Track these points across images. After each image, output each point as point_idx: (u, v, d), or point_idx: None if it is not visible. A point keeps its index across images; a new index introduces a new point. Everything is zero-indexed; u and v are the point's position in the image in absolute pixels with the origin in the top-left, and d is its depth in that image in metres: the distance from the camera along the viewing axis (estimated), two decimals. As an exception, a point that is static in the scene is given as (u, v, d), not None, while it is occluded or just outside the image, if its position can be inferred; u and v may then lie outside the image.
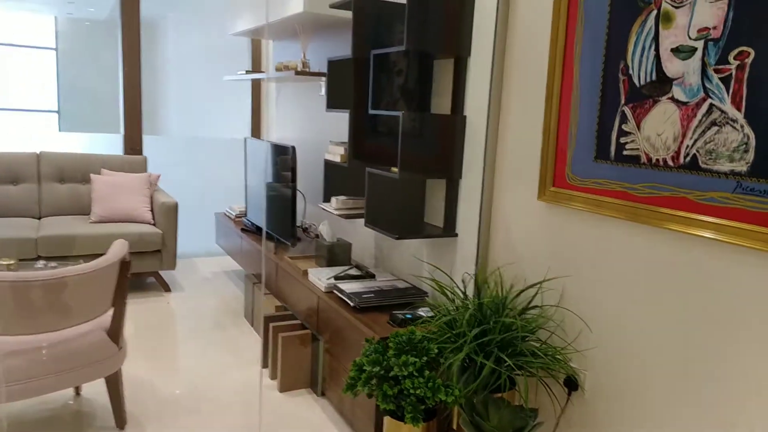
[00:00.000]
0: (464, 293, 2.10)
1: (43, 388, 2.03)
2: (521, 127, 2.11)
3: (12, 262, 2.83)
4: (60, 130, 8.61)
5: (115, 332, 2.24)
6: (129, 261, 2.22)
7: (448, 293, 2.11)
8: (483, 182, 2.24)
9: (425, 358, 1.84)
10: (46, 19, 8.97)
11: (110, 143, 4.94)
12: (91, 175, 3.98)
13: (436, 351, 1.86)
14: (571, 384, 1.89)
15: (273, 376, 2.82)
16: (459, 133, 2.40)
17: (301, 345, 2.71)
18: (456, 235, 2.44)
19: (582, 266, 1.87)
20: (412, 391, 1.78)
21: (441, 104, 2.55)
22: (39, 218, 3.98)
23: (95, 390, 2.61)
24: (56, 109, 8.95)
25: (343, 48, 3.35)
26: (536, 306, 1.99)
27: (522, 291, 2.00)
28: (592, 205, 1.81)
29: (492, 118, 2.21)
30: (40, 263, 2.94)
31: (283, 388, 2.70)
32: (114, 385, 2.28)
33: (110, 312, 2.26)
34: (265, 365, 2.93)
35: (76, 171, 4.11)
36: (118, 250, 2.19)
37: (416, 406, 1.80)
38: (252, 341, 3.26)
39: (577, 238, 1.88)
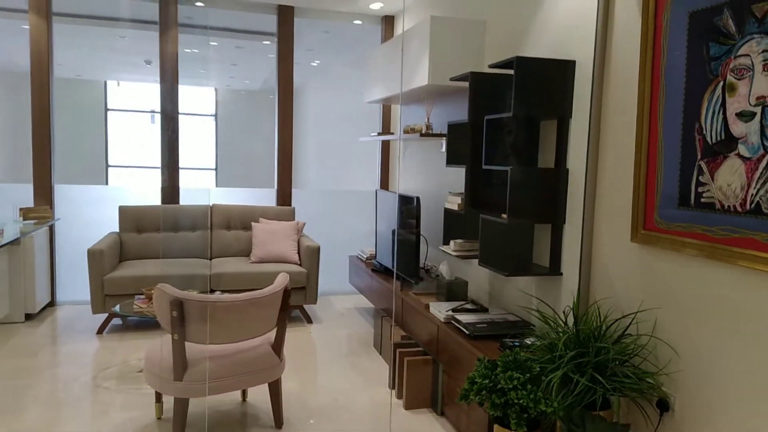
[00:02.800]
0: (565, 323, 2.41)
1: (227, 387, 2.63)
2: (615, 179, 2.43)
3: (196, 292, 3.56)
4: (217, 186, 9.96)
5: (277, 347, 2.81)
6: (290, 290, 2.81)
7: (551, 323, 2.44)
8: (583, 226, 2.56)
9: (528, 375, 2.18)
10: (208, 91, 10.52)
11: (260, 196, 5.79)
12: (252, 223, 4.76)
13: (538, 369, 2.19)
14: (663, 405, 2.12)
15: (399, 396, 3.25)
16: (562, 184, 2.75)
17: (423, 368, 3.13)
18: (561, 273, 2.76)
19: (672, 299, 2.12)
20: (516, 401, 2.13)
21: (546, 159, 2.92)
22: (210, 259, 4.82)
23: (257, 398, 3.20)
24: (214, 167, 10.37)
25: (460, 112, 3.84)
26: (630, 335, 2.26)
27: (617, 320, 2.29)
28: (678, 245, 2.08)
29: (590, 171, 2.55)
30: (218, 293, 3.65)
31: (408, 406, 3.12)
32: (275, 390, 2.84)
33: (274, 331, 2.84)
34: (392, 386, 3.37)
35: (240, 220, 4.94)
36: (281, 281, 2.79)
37: (520, 415, 2.14)
38: (380, 366, 3.72)
39: (665, 274, 2.15)
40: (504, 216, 2.80)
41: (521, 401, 2.11)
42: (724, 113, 1.90)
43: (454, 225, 3.54)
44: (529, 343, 2.62)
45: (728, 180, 1.90)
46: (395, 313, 3.86)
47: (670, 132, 2.14)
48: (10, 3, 4.93)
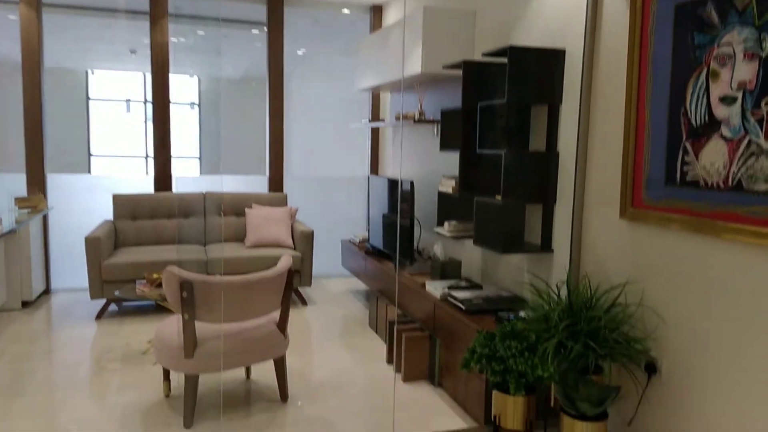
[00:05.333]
0: (558, 295, 2.57)
1: (236, 363, 2.74)
2: (604, 160, 2.58)
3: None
4: (201, 173, 9.96)
5: (282, 325, 2.93)
6: (293, 270, 2.92)
7: (544, 296, 2.59)
8: (573, 206, 2.72)
9: (525, 343, 2.34)
10: (191, 79, 10.48)
11: (249, 183, 5.86)
12: (246, 209, 4.85)
13: (534, 338, 2.35)
14: (651, 368, 2.29)
15: (397, 370, 3.40)
16: (553, 166, 2.90)
17: (421, 343, 3.27)
18: (552, 250, 2.92)
19: (657, 271, 2.29)
20: (514, 367, 2.28)
21: (537, 143, 3.06)
22: (205, 245, 4.90)
23: (260, 375, 3.32)
24: (198, 155, 10.36)
25: (451, 98, 3.97)
26: (619, 304, 2.43)
27: (606, 292, 2.45)
28: (664, 220, 2.24)
29: (580, 153, 2.70)
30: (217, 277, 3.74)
31: (407, 378, 3.26)
32: (280, 366, 2.96)
33: (278, 310, 2.95)
34: (390, 361, 3.52)
35: (233, 206, 5.01)
36: (286, 262, 2.90)
37: (518, 380, 2.29)
38: (376, 344, 3.86)
39: (652, 248, 2.31)
40: (498, 197, 2.94)
41: (519, 368, 2.26)
42: (708, 98, 2.06)
43: (447, 207, 3.68)
44: (523, 315, 2.78)
45: (712, 159, 2.06)
46: (390, 293, 4.00)
47: (657, 115, 2.29)
48: (-2, -9, 4.90)
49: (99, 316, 4.30)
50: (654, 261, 2.31)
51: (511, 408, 2.35)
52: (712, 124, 2.05)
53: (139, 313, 4.44)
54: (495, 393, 2.40)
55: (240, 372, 3.35)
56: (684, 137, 2.17)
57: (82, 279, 4.43)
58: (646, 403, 2.35)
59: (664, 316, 2.26)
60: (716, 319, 2.05)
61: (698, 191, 2.11)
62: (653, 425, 2.32)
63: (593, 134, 2.65)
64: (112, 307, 4.57)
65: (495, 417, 2.40)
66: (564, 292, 2.74)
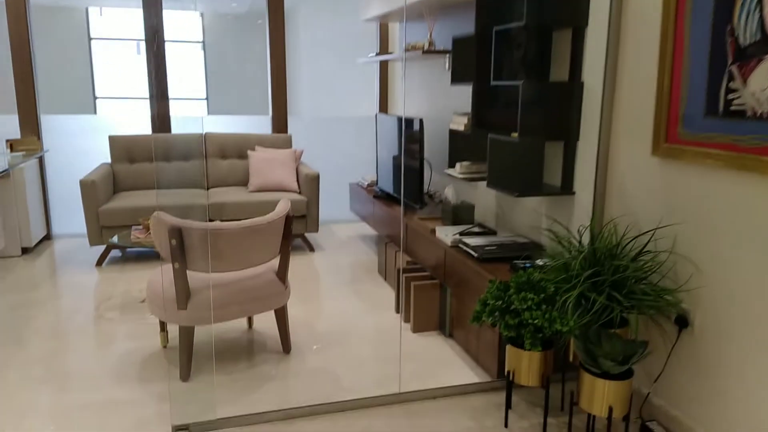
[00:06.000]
0: (579, 242, 2.33)
1: (232, 314, 2.58)
2: (635, 90, 2.28)
3: (195, 221, 3.46)
4: (209, 113, 9.69)
5: (282, 274, 2.75)
6: (292, 216, 2.71)
7: (564, 243, 2.36)
8: (599, 143, 2.44)
9: (542, 295, 2.13)
10: (194, 15, 10.03)
11: (253, 124, 5.61)
12: (249, 152, 4.61)
13: (553, 289, 2.13)
14: (682, 322, 2.08)
15: (406, 320, 3.23)
16: (576, 99, 2.60)
17: (430, 292, 3.09)
18: (573, 192, 2.67)
19: (693, 214, 2.04)
20: (530, 321, 2.08)
21: (559, 72, 2.76)
22: (207, 189, 4.71)
23: (263, 326, 3.18)
24: (205, 96, 10.05)
25: (464, 26, 3.62)
26: (649, 251, 2.19)
27: (635, 238, 2.21)
28: (702, 157, 1.97)
29: (608, 83, 2.40)
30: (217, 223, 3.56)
31: (416, 329, 3.10)
32: (282, 317, 2.80)
33: (278, 258, 2.77)
34: (398, 310, 3.35)
35: (235, 148, 4.78)
36: (283, 207, 2.68)
37: (534, 335, 2.10)
38: (385, 292, 3.69)
39: (688, 189, 2.05)
40: (514, 135, 2.67)
41: (536, 321, 2.06)
42: (761, 11, 1.74)
43: (459, 147, 3.41)
44: (541, 264, 2.56)
45: (762, 84, 1.76)
46: (399, 239, 3.79)
47: (698, 37, 1.98)
48: None
49: (99, 262, 4.18)
50: (689, 203, 2.05)
51: (526, 364, 2.17)
52: (765, 42, 1.74)
53: (141, 260, 4.30)
54: (509, 348, 2.21)
55: (242, 322, 3.21)
56: (729, 60, 1.86)
57: (83, 225, 4.29)
58: (674, 359, 2.15)
59: (698, 264, 2.02)
60: (759, 269, 1.81)
61: (744, 123, 1.83)
62: (682, 382, 2.12)
63: (623, 61, 2.34)
64: (116, 253, 4.44)
65: (509, 373, 2.23)
66: (587, 239, 2.50)
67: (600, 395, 2.00)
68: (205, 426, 2.21)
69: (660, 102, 2.15)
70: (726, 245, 1.92)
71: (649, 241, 2.21)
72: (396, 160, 4.03)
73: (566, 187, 2.71)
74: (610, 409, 1.99)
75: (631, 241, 2.23)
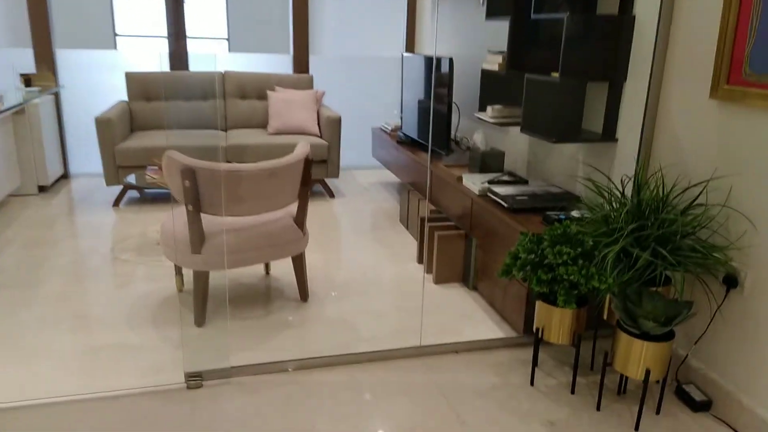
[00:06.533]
0: (622, 193, 2.15)
1: (248, 260, 2.47)
2: (695, 25, 2.04)
3: (212, 162, 3.32)
4: (230, 51, 9.43)
5: (300, 220, 2.61)
6: (311, 159, 2.55)
7: (605, 193, 2.17)
8: (650, 83, 2.21)
9: (579, 249, 1.96)
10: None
11: (274, 64, 5.38)
12: (268, 92, 4.42)
13: (591, 243, 1.96)
14: (731, 281, 1.91)
15: (428, 271, 3.10)
16: (626, 34, 2.36)
17: (455, 243, 2.94)
18: (616, 139, 2.46)
19: (754, 164, 1.83)
20: (566, 277, 1.92)
21: (608, 4, 2.50)
22: (225, 130, 4.56)
23: (280, 272, 3.08)
24: (226, 36, 9.78)
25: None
26: (700, 205, 2.00)
27: (686, 189, 2.01)
28: (770, 101, 1.75)
29: (664, 15, 2.15)
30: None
31: (438, 280, 2.97)
32: (299, 264, 2.69)
33: (296, 203, 2.63)
34: (420, 261, 3.22)
35: (254, 88, 4.59)
36: (302, 150, 2.52)
37: (569, 291, 1.94)
38: (407, 241, 3.56)
39: (750, 136, 1.84)
40: (555, 74, 2.44)
41: (571, 277, 1.91)
42: None
43: (492, 89, 3.19)
44: (577, 216, 2.38)
45: None
46: (424, 187, 3.63)
47: (778, -41, 1.72)
48: None
49: (116, 203, 4.10)
50: (749, 152, 1.84)
51: (557, 321, 2.03)
52: None
53: (159, 201, 4.22)
54: (539, 304, 2.07)
55: (258, 268, 3.11)
56: (817, -13, 1.61)
57: (100, 164, 4.19)
58: (719, 321, 1.98)
59: (754, 220, 1.83)
60: (831, 228, 1.62)
61: (828, 61, 1.59)
62: (724, 346, 1.97)
63: (683, -9, 2.09)
64: (133, 193, 4.36)
65: (538, 330, 2.09)
66: (629, 190, 2.31)
67: (637, 357, 1.86)
68: (218, 374, 2.13)
69: (723, 39, 1.91)
70: (791, 200, 1.72)
71: (701, 193, 2.01)
72: (422, 103, 3.81)
73: (608, 134, 2.50)
74: (647, 372, 1.85)
75: (680, 193, 2.03)
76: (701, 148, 2.02)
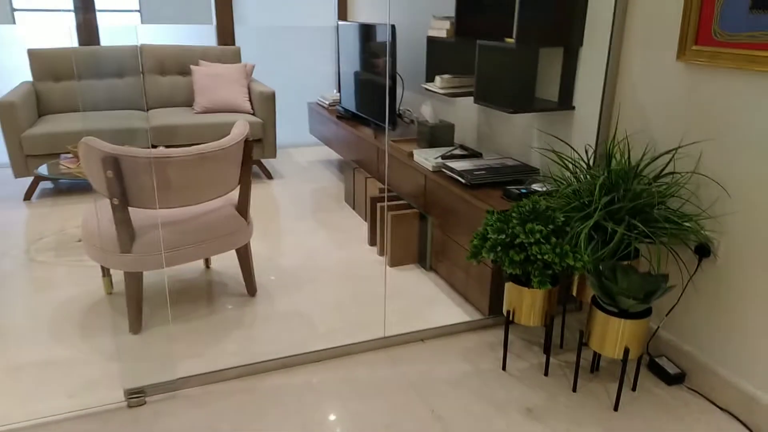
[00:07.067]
0: (588, 164, 2.05)
1: (187, 257, 2.22)
2: (657, -17, 1.93)
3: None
4: (142, 22, 8.75)
5: (243, 207, 2.37)
6: (252, 140, 2.30)
7: (570, 165, 2.07)
8: (610, 46, 2.10)
9: (551, 227, 1.85)
10: None
11: (195, 36, 4.98)
12: (192, 67, 4.06)
13: (563, 219, 1.86)
14: (703, 251, 1.85)
15: (381, 253, 2.94)
16: (580, -3, 2.24)
17: (409, 222, 2.79)
18: (573, 107, 2.36)
19: (725, 129, 1.76)
20: (539, 256, 1.81)
21: (559, -34, 2.36)
22: (146, 110, 4.17)
23: (222, 264, 2.83)
24: (137, 8, 9.07)
25: None
26: (669, 173, 1.93)
27: (656, 158, 1.93)
28: (744, 61, 1.67)
29: (621, -25, 2.04)
30: (160, 149, 3.10)
31: (393, 263, 2.82)
32: (245, 256, 2.46)
33: (237, 190, 2.39)
34: (372, 243, 3.05)
35: (176, 63, 4.21)
36: (240, 130, 2.27)
37: (543, 271, 1.83)
38: (355, 222, 3.38)
39: (721, 98, 1.77)
40: (509, 40, 2.30)
41: (545, 256, 1.79)
42: None
43: (439, 58, 3.02)
44: (538, 189, 2.28)
45: (836, -32, 1.45)
46: (369, 165, 3.44)
47: None
48: None
49: (27, 196, 3.67)
50: (720, 115, 1.77)
51: (528, 303, 1.93)
52: None
53: (76, 191, 3.82)
54: (510, 285, 1.96)
55: (198, 262, 2.85)
56: (790, -60, 1.53)
57: (5, 153, 3.73)
58: (691, 292, 1.94)
59: (727, 186, 1.77)
60: (809, 192, 1.57)
61: (803, 18, 1.52)
62: (697, 317, 1.93)
63: (644, -53, 1.98)
64: (47, 184, 3.93)
65: (509, 312, 1.98)
66: (596, 161, 2.21)
67: (614, 335, 1.78)
68: (162, 387, 1.90)
69: (688, -3, 1.81)
70: (763, 166, 1.66)
71: (670, 161, 1.94)
72: (362, 75, 3.60)
73: (564, 102, 2.40)
74: (626, 351, 1.77)
75: (650, 162, 1.95)
76: (668, 113, 1.94)
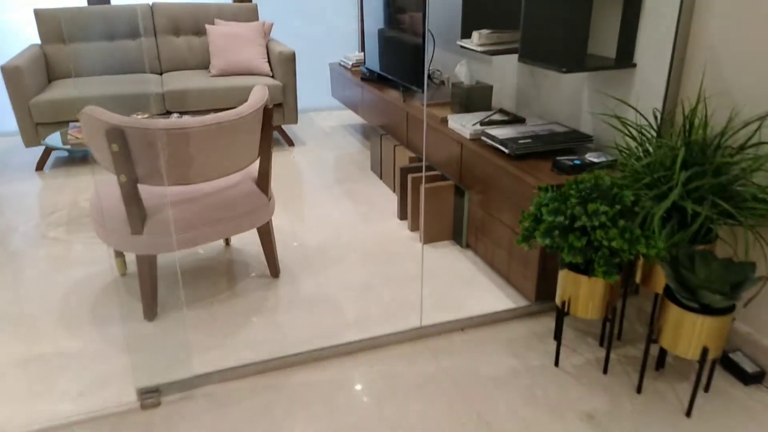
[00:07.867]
0: (658, 132, 1.78)
1: (204, 237, 2.02)
2: None
3: (147, 115, 2.78)
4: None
5: (264, 182, 2.16)
6: (272, 107, 2.07)
7: (635, 133, 1.80)
8: (686, -6, 1.80)
9: (618, 207, 1.60)
10: None
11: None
12: (207, 26, 3.80)
13: (633, 199, 1.60)
14: (797, 236, 1.59)
15: (413, 228, 2.72)
16: (649, -64, 1.92)
17: (444, 195, 2.55)
18: (634, 65, 2.06)
19: (831, 93, 1.48)
20: (605, 243, 1.56)
21: None
22: (161, 73, 3.94)
23: (243, 241, 2.63)
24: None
25: None
26: (755, 144, 1.65)
27: (746, 125, 1.65)
28: None
29: None
30: (175, 116, 2.89)
31: (427, 239, 2.60)
32: (266, 235, 2.25)
33: (256, 163, 2.17)
34: (402, 217, 2.83)
35: (190, 22, 3.95)
36: (259, 96, 2.03)
37: (609, 260, 1.59)
38: (382, 193, 3.15)
39: (828, 57, 1.47)
40: (563, -12, 2.00)
41: (612, 243, 1.55)
42: None
43: (477, 12, 2.72)
44: (594, 160, 2.02)
45: None
46: (398, 131, 3.18)
47: None
48: None
49: (40, 166, 3.51)
50: (829, 77, 1.48)
51: (586, 293, 1.69)
52: None
53: (92, 161, 3.64)
54: (566, 273, 1.72)
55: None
56: None
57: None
58: (777, 281, 1.69)
59: (830, 160, 1.50)
60: None
61: None
62: (783, 308, 1.68)
63: None
64: (60, 153, 3.75)
65: (564, 303, 1.75)
66: (663, 128, 1.93)
67: (690, 333, 1.54)
68: (179, 386, 1.73)
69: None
70: None
71: (758, 129, 1.66)
72: (387, 32, 3.30)
73: (623, 58, 2.10)
74: (705, 351, 1.54)
75: (739, 129, 1.67)
76: (761, 71, 1.65)
